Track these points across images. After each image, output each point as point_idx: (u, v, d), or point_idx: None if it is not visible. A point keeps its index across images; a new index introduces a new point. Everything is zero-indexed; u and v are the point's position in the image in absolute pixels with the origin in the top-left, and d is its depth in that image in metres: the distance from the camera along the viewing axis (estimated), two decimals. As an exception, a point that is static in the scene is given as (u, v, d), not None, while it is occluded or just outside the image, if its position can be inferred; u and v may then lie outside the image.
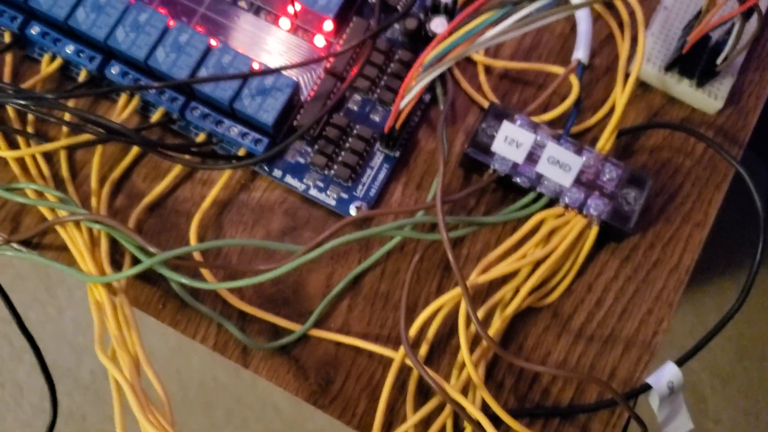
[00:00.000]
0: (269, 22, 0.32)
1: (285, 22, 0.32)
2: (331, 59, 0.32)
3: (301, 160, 0.31)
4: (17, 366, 0.81)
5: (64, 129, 0.31)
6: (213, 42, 0.31)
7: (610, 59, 0.33)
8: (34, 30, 0.31)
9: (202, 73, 0.30)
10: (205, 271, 0.30)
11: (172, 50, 0.30)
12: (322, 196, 0.31)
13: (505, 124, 0.30)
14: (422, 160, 0.32)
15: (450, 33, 0.26)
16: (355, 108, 0.32)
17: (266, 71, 0.30)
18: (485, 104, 0.32)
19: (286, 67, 0.30)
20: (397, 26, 0.32)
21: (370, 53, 0.32)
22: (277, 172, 0.31)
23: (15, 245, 0.31)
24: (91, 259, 0.29)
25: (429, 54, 0.26)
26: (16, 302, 0.31)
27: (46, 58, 0.32)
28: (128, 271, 0.28)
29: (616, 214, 0.30)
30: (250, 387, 0.76)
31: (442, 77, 0.32)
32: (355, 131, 0.31)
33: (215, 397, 0.76)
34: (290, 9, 0.32)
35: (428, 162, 0.32)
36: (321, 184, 0.31)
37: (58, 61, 0.31)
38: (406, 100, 0.28)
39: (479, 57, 0.33)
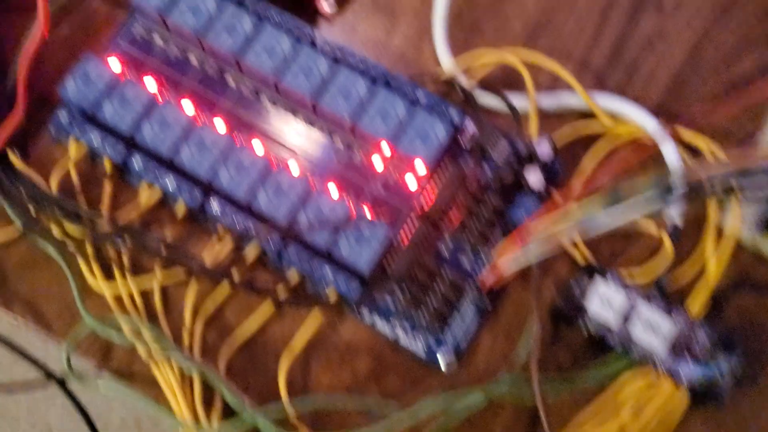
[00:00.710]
0: (362, 160, 0.33)
1: (377, 161, 0.33)
2: (423, 203, 0.32)
3: (391, 304, 0.31)
4: (49, 408, 0.82)
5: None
6: (312, 186, 0.31)
7: (697, 208, 0.33)
8: (136, 161, 0.32)
9: (302, 217, 0.31)
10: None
11: (274, 193, 0.31)
12: (410, 343, 0.31)
13: (599, 284, 0.30)
14: (511, 309, 0.32)
15: (556, 211, 0.26)
16: (447, 252, 0.32)
17: (363, 219, 0.31)
18: (574, 253, 0.32)
19: (381, 216, 0.31)
20: (489, 169, 0.33)
21: (463, 200, 0.32)
22: (366, 315, 0.31)
23: (105, 376, 0.31)
24: (183, 399, 0.29)
25: (535, 231, 0.27)
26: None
27: (145, 188, 0.32)
28: (228, 429, 0.28)
29: (707, 381, 0.30)
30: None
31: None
32: (447, 278, 0.31)
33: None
34: (384, 148, 0.32)
35: (517, 311, 0.32)
36: (410, 330, 0.31)
37: (157, 193, 0.32)
38: (510, 268, 0.28)
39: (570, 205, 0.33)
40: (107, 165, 0.32)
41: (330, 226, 0.30)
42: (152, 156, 0.32)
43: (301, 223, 0.30)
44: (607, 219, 0.25)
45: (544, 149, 0.31)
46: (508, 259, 0.28)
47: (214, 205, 0.31)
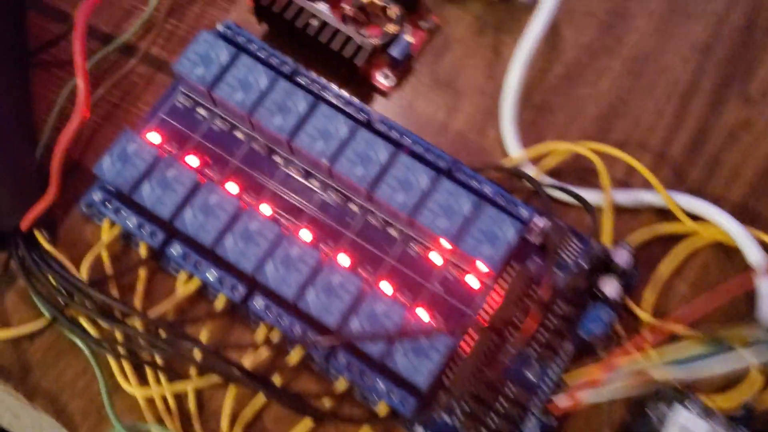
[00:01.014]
0: (419, 254, 0.30)
1: (436, 257, 0.30)
2: (486, 308, 0.29)
3: (447, 419, 0.28)
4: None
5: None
6: (366, 286, 0.29)
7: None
8: (175, 250, 0.29)
9: (354, 322, 0.28)
10: None
11: (324, 292, 0.28)
12: (468, 465, 0.28)
13: (679, 411, 0.27)
14: (578, 426, 0.29)
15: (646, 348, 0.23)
16: (511, 364, 0.29)
17: (422, 327, 0.28)
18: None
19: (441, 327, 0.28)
20: (559, 271, 0.30)
21: (530, 306, 0.29)
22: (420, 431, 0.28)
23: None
24: None
25: (621, 364, 0.24)
26: None
27: (182, 277, 0.30)
28: None
29: None
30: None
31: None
32: (510, 393, 0.28)
33: None
34: (445, 244, 0.30)
35: (584, 429, 0.29)
36: (467, 450, 0.28)
37: (195, 283, 0.29)
38: (588, 399, 0.25)
39: (646, 316, 0.30)
40: (143, 250, 0.30)
41: (385, 337, 0.27)
42: (193, 244, 0.29)
43: (353, 329, 0.28)
44: (706, 367, 0.22)
45: (622, 259, 0.29)
46: (588, 390, 0.25)
47: (258, 302, 0.29)
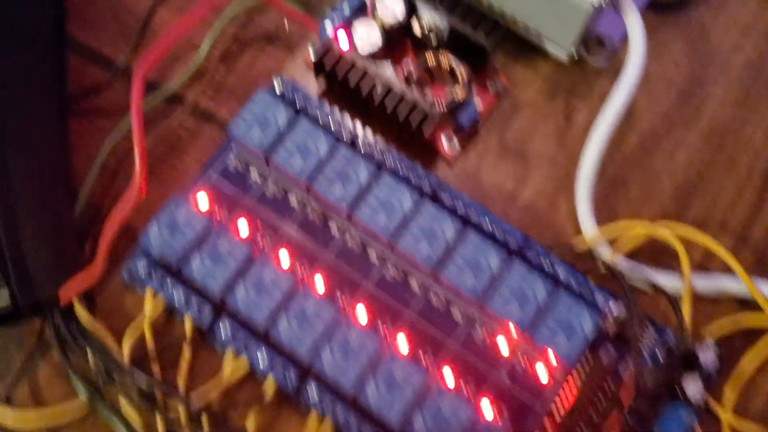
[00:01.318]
0: (484, 339, 0.28)
1: (503, 343, 0.28)
2: (562, 404, 0.27)
3: None
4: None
5: (241, 443, 0.27)
6: (429, 377, 0.26)
7: None
8: (224, 328, 0.27)
9: (417, 419, 0.26)
10: None
11: (385, 385, 0.26)
12: None
13: None
14: None
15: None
16: (578, 455, 0.27)
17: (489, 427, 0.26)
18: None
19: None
20: (634, 366, 0.28)
21: (603, 402, 0.27)
22: None
23: None
24: None
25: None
26: None
27: (230, 356, 0.27)
28: None
29: None
30: None
31: None
32: (580, 499, 0.26)
33: None
34: (512, 329, 0.28)
35: None
36: None
37: (245, 365, 0.27)
38: None
39: (728, 417, 0.28)
40: (188, 326, 0.28)
41: (455, 440, 0.25)
42: (243, 323, 0.27)
43: (417, 429, 0.26)
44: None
45: (708, 358, 0.26)
46: None
47: (312, 392, 0.27)
